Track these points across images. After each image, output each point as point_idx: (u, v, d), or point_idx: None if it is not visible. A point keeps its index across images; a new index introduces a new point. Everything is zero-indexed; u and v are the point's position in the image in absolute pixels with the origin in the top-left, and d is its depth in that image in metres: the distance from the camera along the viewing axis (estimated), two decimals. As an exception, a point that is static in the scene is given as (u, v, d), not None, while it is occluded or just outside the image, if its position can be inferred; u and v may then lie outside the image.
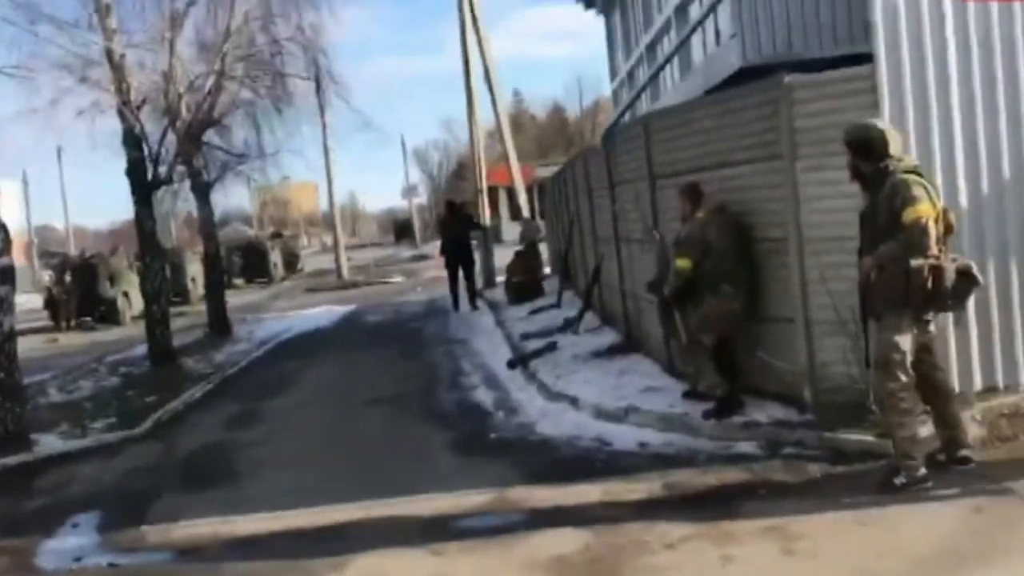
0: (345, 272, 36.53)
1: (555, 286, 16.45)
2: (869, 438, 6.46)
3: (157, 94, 14.80)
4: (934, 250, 5.46)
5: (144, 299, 15.01)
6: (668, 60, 14.33)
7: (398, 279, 32.29)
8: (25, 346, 20.81)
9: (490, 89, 23.24)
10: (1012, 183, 6.65)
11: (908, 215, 5.41)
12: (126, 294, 24.76)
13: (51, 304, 25.89)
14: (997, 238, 6.67)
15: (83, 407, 11.52)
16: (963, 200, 6.59)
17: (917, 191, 5.47)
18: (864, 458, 6.32)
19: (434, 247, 48.13)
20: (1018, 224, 6.69)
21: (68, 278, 25.67)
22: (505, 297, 18.12)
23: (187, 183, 17.29)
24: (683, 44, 13.46)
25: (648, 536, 5.50)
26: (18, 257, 54.05)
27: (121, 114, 13.73)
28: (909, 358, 5.64)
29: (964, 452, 5.87)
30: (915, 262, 5.43)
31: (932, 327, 5.81)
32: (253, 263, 39.42)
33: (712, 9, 11.43)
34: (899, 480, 5.69)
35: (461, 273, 18.48)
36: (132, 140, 14.02)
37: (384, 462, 7.82)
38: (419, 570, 5.41)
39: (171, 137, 14.88)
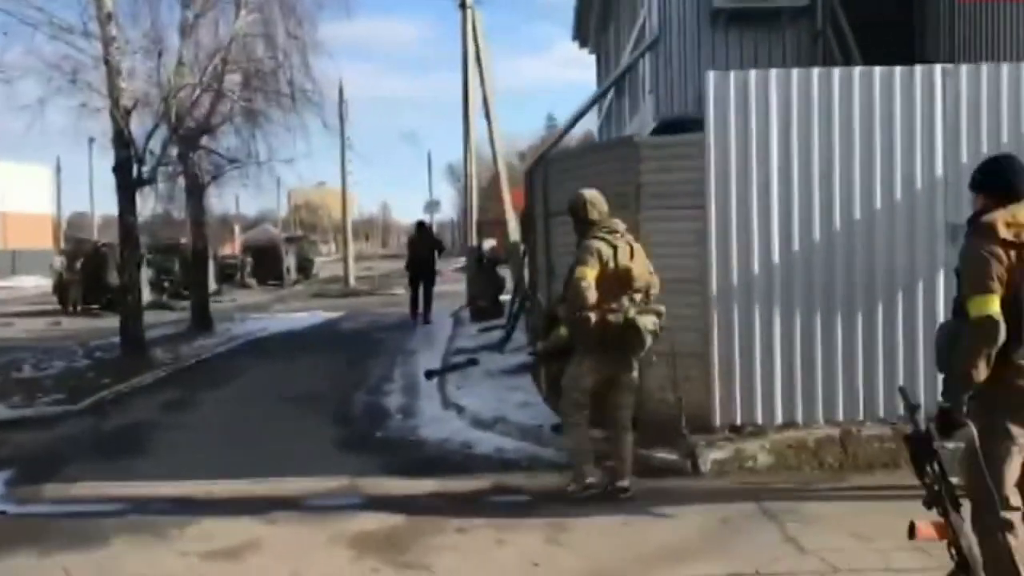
0: (352, 281, 37.65)
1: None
2: (674, 456, 7.36)
3: (150, 99, 15.92)
4: (589, 304, 6.45)
5: (119, 290, 16.08)
6: (588, 107, 15.29)
7: (399, 291, 33.23)
8: (28, 326, 22.28)
9: (487, 118, 24.19)
10: (821, 245, 7.49)
11: (573, 274, 6.54)
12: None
13: (60, 288, 27.15)
14: (804, 292, 7.52)
15: (43, 383, 12.57)
16: (775, 258, 7.46)
17: (587, 254, 6.53)
18: (668, 472, 7.24)
19: (451, 263, 49.43)
20: (823, 283, 7.53)
21: (78, 265, 26.92)
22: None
23: (176, 183, 18.34)
24: (606, 91, 14.34)
25: (449, 522, 6.42)
26: (47, 241, 55.97)
27: (112, 115, 14.82)
28: (584, 390, 6.74)
29: (621, 483, 6.78)
30: (580, 314, 6.52)
31: (630, 369, 6.77)
32: (266, 265, 40.32)
33: (630, 67, 12.34)
34: (570, 487, 6.81)
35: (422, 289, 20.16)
36: (120, 140, 15.07)
37: (274, 450, 8.76)
38: (245, 533, 6.34)
39: (159, 139, 15.94)
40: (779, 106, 7.40)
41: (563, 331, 7.96)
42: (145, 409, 11.00)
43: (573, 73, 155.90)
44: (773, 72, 7.45)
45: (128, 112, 14.85)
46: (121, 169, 15.18)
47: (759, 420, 7.54)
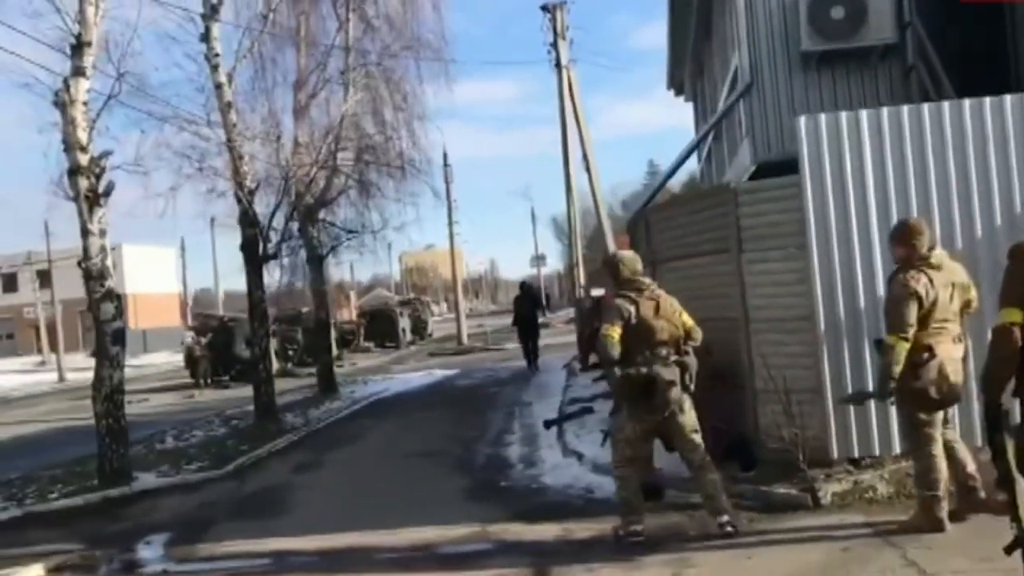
0: (465, 339, 38.41)
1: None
2: (793, 492, 7.51)
3: (271, 179, 16.91)
4: (613, 358, 6.88)
5: (251, 361, 16.96)
6: (687, 154, 15.48)
7: (510, 346, 33.77)
8: (164, 400, 23.50)
9: (587, 170, 24.66)
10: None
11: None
12: (262, 355, 26.96)
13: (191, 362, 28.53)
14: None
15: (187, 452, 13.36)
16: (880, 292, 7.58)
17: (610, 312, 7.05)
18: (788, 508, 7.40)
19: (559, 315, 49.74)
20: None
21: (207, 339, 28.27)
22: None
23: (299, 256, 19.35)
24: (704, 137, 14.59)
25: (576, 565, 6.72)
26: (175, 319, 58.47)
27: (237, 197, 15.81)
28: (628, 440, 7.10)
29: (720, 520, 6.96)
30: (608, 368, 7.09)
31: (672, 415, 6.99)
32: (383, 328, 41.56)
33: (725, 114, 12.62)
34: (619, 531, 7.13)
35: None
36: (246, 220, 16.06)
37: (404, 501, 9.23)
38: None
39: (281, 216, 16.91)
40: (872, 144, 7.58)
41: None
42: (282, 471, 11.63)
43: (673, 117, 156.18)
44: (864, 112, 7.66)
45: (252, 193, 15.81)
46: (248, 246, 16.13)
47: (876, 451, 7.64)
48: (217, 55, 15.89)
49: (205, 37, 15.76)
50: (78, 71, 11.08)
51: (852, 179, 7.63)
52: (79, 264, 11.12)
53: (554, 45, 24.13)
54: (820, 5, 10.54)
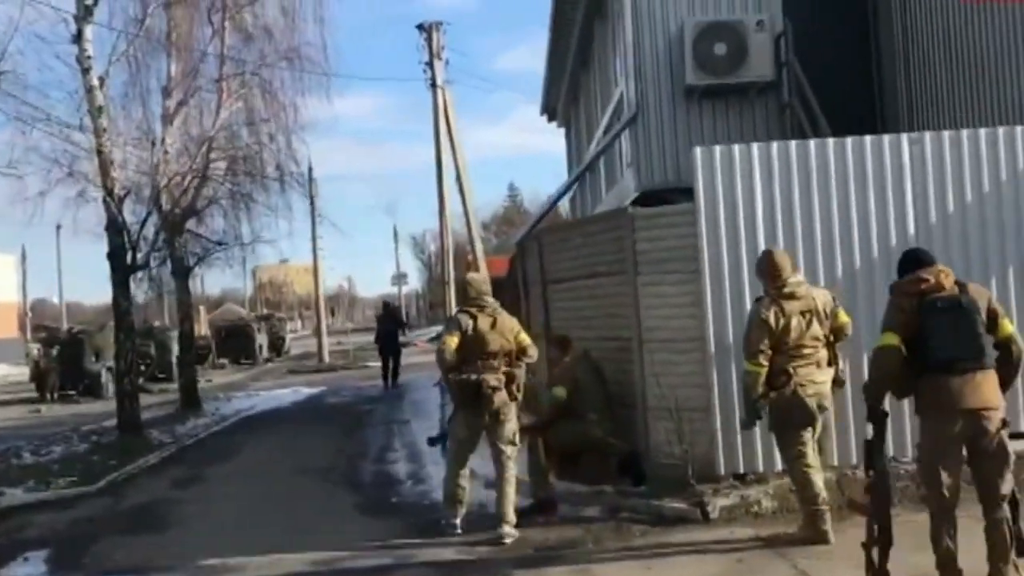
0: (326, 356, 37.94)
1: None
2: (684, 506, 7.84)
3: (141, 187, 16.42)
4: (448, 366, 7.78)
5: (116, 374, 16.38)
6: (573, 181, 15.98)
7: (374, 364, 33.52)
8: (9, 415, 22.32)
9: (460, 191, 24.88)
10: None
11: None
12: (110, 368, 25.82)
13: (37, 376, 27.21)
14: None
15: (50, 468, 12.80)
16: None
17: (450, 324, 8.07)
18: (679, 521, 7.71)
19: (420, 334, 49.69)
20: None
21: (55, 351, 27.03)
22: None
23: (167, 267, 18.80)
24: (583, 174, 15.04)
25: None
26: (12, 330, 55.51)
27: (105, 204, 15.28)
28: (457, 439, 8.08)
29: (501, 528, 7.67)
30: (446, 375, 7.99)
31: (494, 423, 7.82)
32: (239, 344, 40.57)
33: (610, 143, 13.06)
34: (442, 521, 8.05)
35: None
36: (114, 228, 15.51)
37: (294, 517, 9.14)
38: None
39: (151, 225, 16.43)
40: (762, 175, 8.04)
41: (557, 391, 8.54)
42: (159, 487, 11.31)
43: (531, 140, 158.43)
44: (755, 146, 8.12)
45: (121, 200, 15.32)
46: (115, 256, 15.59)
47: (760, 468, 8.05)
48: (89, 57, 15.35)
49: (77, 39, 15.22)
50: (-50, 68, 10.59)
51: (743, 208, 8.06)
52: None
53: (430, 65, 24.33)
54: (704, 42, 11.08)
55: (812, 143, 8.20)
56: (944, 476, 5.29)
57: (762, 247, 8.03)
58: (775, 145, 8.17)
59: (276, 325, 47.43)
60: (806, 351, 6.79)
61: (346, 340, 42.38)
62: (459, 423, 7.99)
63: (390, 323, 24.49)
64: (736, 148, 8.12)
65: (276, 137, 19.24)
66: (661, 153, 11.56)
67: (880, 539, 5.51)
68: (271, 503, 10.01)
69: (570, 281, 9.64)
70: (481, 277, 8.53)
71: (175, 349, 31.28)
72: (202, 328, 46.22)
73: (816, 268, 8.09)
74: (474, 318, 7.75)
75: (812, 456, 6.96)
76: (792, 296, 6.77)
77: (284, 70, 19.29)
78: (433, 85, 24.34)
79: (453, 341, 7.71)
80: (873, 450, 5.60)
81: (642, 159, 11.60)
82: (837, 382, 7.05)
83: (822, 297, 6.99)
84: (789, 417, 6.83)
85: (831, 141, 8.17)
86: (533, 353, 8.04)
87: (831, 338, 7.00)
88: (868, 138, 8.14)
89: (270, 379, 30.68)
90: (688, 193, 10.15)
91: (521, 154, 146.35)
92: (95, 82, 15.29)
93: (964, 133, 8.18)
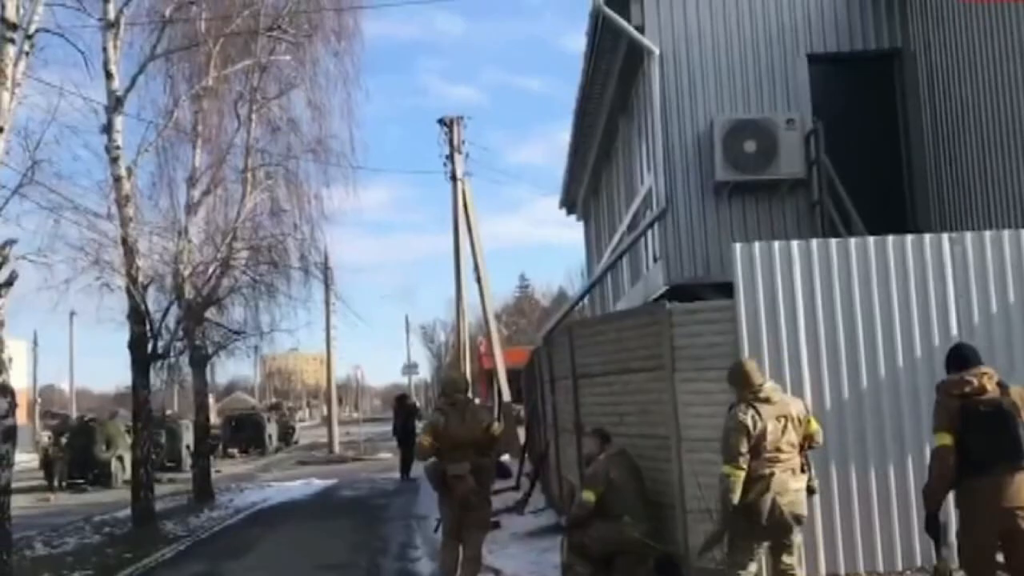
0: (336, 447, 37.58)
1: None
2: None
3: (164, 276, 16.47)
4: (424, 456, 9.22)
5: (132, 463, 16.17)
6: (602, 275, 15.94)
7: (386, 455, 33.18)
8: (17, 503, 21.95)
9: (478, 281, 24.96)
10: (850, 402, 7.98)
11: None
12: (120, 458, 25.51)
13: (46, 464, 26.89)
14: (836, 447, 7.94)
15: (64, 560, 12.54)
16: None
17: (427, 423, 9.40)
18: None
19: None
20: (856, 434, 7.97)
21: (64, 439, 26.76)
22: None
23: (186, 356, 18.71)
24: (612, 266, 15.02)
25: None
26: (22, 417, 55.21)
27: (129, 292, 15.29)
28: (446, 520, 9.10)
29: None
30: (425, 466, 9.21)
31: (467, 510, 8.78)
32: (249, 434, 40.23)
33: (639, 237, 13.05)
34: None
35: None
36: (136, 316, 15.52)
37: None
38: None
39: (172, 314, 16.42)
40: (802, 272, 8.00)
41: (587, 495, 8.31)
42: (174, 583, 11.03)
43: (542, 232, 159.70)
44: (795, 243, 8.09)
45: (145, 289, 15.34)
46: (136, 344, 15.56)
47: (803, 573, 7.79)
48: (118, 148, 15.58)
49: (107, 129, 15.46)
50: (-13, 156, 10.68)
51: (783, 304, 7.99)
52: (-29, 356, 10.51)
53: (450, 158, 24.67)
54: (734, 139, 11.13)
55: (852, 242, 8.16)
56: (982, 566, 5.75)
57: (803, 344, 7.99)
58: (814, 242, 8.14)
59: (286, 414, 47.19)
60: (783, 456, 6.73)
61: (356, 430, 41.97)
62: (442, 504, 9.05)
63: (405, 414, 24.81)
64: (776, 245, 8.09)
65: (300, 227, 19.42)
66: (691, 248, 11.53)
67: None
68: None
69: (602, 376, 9.50)
70: (458, 377, 9.98)
71: (186, 438, 31.17)
72: (212, 417, 46.05)
73: (859, 365, 8.01)
74: (446, 415, 8.85)
75: (755, 564, 6.86)
76: (768, 400, 6.76)
77: (309, 162, 19.52)
78: (453, 178, 24.65)
79: (427, 439, 8.90)
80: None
81: (671, 253, 11.55)
82: (810, 490, 6.97)
83: (796, 404, 6.99)
84: (757, 523, 6.65)
85: (871, 240, 8.13)
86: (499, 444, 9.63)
87: (804, 445, 6.93)
88: (908, 237, 8.12)
89: (280, 470, 30.32)
90: (717, 288, 10.18)
91: (532, 245, 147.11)
92: (123, 172, 15.49)
93: (1005, 234, 8.15)
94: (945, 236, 8.15)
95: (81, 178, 31.62)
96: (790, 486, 6.71)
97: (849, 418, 7.98)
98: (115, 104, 15.49)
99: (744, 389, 6.83)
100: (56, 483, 25.79)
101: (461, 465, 8.64)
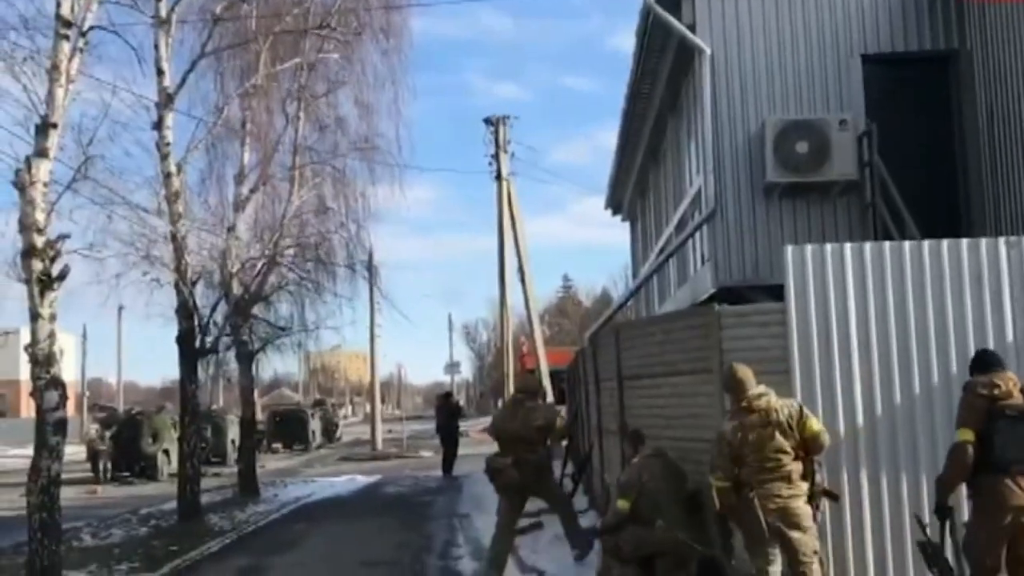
0: (379, 444, 37.79)
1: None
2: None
3: (213, 272, 16.64)
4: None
5: (179, 457, 16.35)
6: (650, 275, 15.81)
7: (427, 454, 33.30)
8: (65, 495, 22.26)
9: (522, 281, 24.95)
10: (902, 408, 7.83)
11: None
12: (166, 451, 25.83)
13: (93, 456, 27.28)
14: (888, 454, 7.80)
15: (111, 552, 12.70)
16: (859, 420, 7.78)
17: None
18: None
19: (473, 424, 49.42)
20: (907, 442, 7.83)
21: (111, 432, 27.12)
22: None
23: (232, 351, 18.90)
24: (660, 267, 14.92)
25: None
26: (69, 409, 55.93)
27: (177, 288, 15.46)
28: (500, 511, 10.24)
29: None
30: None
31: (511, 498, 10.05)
32: (293, 430, 40.59)
33: (688, 238, 12.92)
34: None
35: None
36: (185, 311, 15.70)
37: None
38: None
39: (220, 310, 16.59)
40: (855, 276, 7.86)
41: (621, 504, 8.21)
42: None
43: (585, 232, 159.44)
44: (848, 246, 7.96)
45: (193, 284, 15.50)
46: (185, 339, 15.73)
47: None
48: (168, 144, 15.75)
49: (158, 125, 15.63)
50: (42, 152, 10.78)
51: (835, 309, 7.87)
52: (26, 349, 10.66)
53: (496, 157, 24.69)
54: (785, 140, 10.97)
55: (907, 245, 8.01)
56: (989, 561, 6.12)
57: (855, 349, 7.86)
58: (868, 246, 8.01)
59: (329, 411, 47.49)
60: (769, 465, 6.79)
61: (398, 428, 42.16)
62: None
63: (447, 412, 25.07)
64: (828, 248, 7.97)
65: (346, 225, 19.54)
66: (740, 250, 11.39)
67: None
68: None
69: (649, 378, 9.42)
70: (530, 378, 11.50)
71: (231, 433, 31.47)
72: (256, 412, 46.49)
73: (911, 371, 7.85)
74: (503, 411, 10.53)
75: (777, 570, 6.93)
76: (749, 410, 6.88)
77: (356, 160, 19.63)
78: (498, 177, 24.66)
79: (489, 431, 10.34)
80: (937, 550, 6.37)
81: (720, 255, 11.42)
82: (817, 495, 6.98)
83: (787, 409, 6.96)
84: (751, 529, 6.92)
85: (926, 244, 7.97)
86: (555, 436, 10.45)
87: (802, 451, 6.91)
88: (964, 241, 7.96)
89: (323, 466, 30.54)
90: (766, 291, 10.05)
91: (575, 246, 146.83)
92: (173, 168, 15.65)
93: (1066, 237, 7.95)
94: (1001, 240, 7.97)
95: (132, 174, 31.79)
96: (781, 493, 6.80)
97: (900, 425, 7.83)
98: (166, 101, 15.66)
99: (733, 398, 7.09)
100: (102, 475, 26.11)
101: (504, 459, 9.69)
